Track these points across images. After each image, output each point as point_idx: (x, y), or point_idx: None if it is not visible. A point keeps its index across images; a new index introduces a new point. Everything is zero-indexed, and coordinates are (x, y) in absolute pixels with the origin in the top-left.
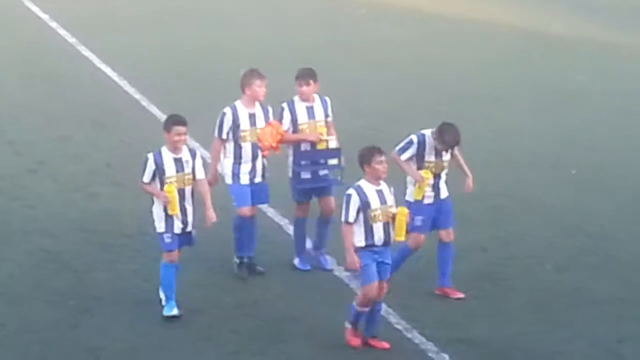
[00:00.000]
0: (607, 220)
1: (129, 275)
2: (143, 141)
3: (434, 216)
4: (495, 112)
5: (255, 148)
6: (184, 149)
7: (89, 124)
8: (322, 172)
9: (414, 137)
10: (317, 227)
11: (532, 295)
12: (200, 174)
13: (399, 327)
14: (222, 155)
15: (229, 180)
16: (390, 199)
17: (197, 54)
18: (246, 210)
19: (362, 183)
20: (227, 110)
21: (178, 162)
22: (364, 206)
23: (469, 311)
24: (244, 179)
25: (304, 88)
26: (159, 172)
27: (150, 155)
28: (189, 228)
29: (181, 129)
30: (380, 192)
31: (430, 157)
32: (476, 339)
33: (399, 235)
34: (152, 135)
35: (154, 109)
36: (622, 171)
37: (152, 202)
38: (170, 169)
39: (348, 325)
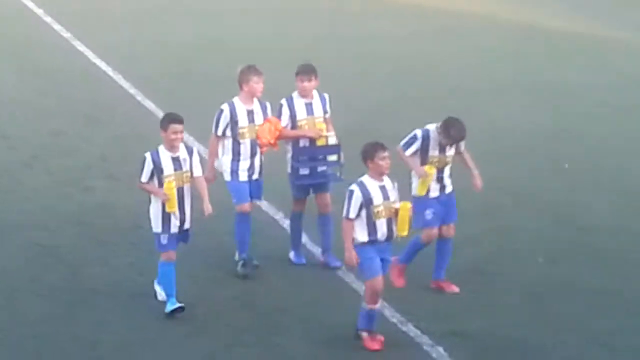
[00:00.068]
0: (599, 213)
1: (124, 268)
2: (138, 135)
3: (440, 209)
4: (488, 106)
5: (254, 145)
6: (181, 146)
7: (83, 119)
8: (321, 169)
9: (418, 132)
10: (319, 226)
11: (525, 288)
12: (197, 171)
13: (393, 320)
14: (220, 152)
15: (227, 177)
16: (393, 195)
17: (193, 49)
18: (246, 206)
19: (365, 179)
20: (225, 107)
21: (176, 160)
22: (367, 202)
23: (463, 304)
24: (243, 176)
25: (306, 84)
26: (157, 171)
27: (148, 155)
28: (186, 226)
29: (178, 127)
30: (383, 188)
31: (434, 152)
32: (470, 332)
33: (402, 230)
34: (147, 129)
35: (149, 104)
36: (614, 165)
37: (149, 201)
38: (168, 167)
39: (364, 334)
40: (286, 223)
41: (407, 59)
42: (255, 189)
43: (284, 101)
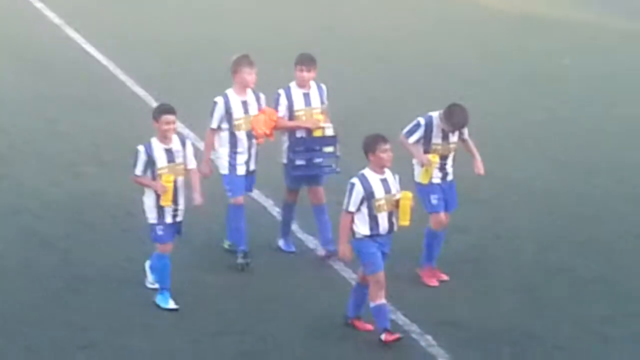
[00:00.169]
0: (591, 201)
1: (115, 255)
2: (129, 122)
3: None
4: (481, 94)
5: (250, 136)
6: (174, 138)
7: (75, 105)
8: (317, 160)
9: (421, 120)
10: (316, 218)
11: (516, 276)
12: (191, 163)
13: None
14: (217, 144)
15: (224, 170)
16: (394, 188)
17: (185, 37)
18: (241, 199)
19: (366, 172)
20: (219, 100)
21: (169, 152)
22: (368, 196)
23: (453, 293)
24: (241, 170)
25: (305, 74)
26: (150, 163)
27: (141, 147)
28: (179, 218)
29: (170, 117)
30: (384, 181)
31: (437, 140)
32: (460, 320)
33: (404, 220)
34: (138, 116)
35: (140, 90)
36: (608, 153)
37: (144, 192)
38: (161, 160)
39: (382, 336)
40: (275, 211)
41: (401, 50)
42: (249, 181)
43: (281, 91)
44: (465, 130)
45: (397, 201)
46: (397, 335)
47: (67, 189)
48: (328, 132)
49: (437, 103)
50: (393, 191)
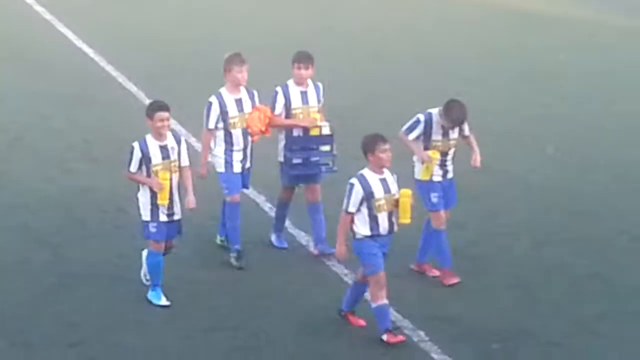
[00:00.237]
0: (587, 197)
1: (106, 251)
2: (121, 119)
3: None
4: (478, 89)
5: (245, 134)
6: (169, 135)
7: (66, 101)
8: (314, 159)
9: (421, 116)
10: (311, 215)
11: (510, 272)
12: (185, 161)
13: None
14: (212, 143)
15: (220, 168)
16: (394, 187)
17: (176, 32)
18: (237, 197)
19: (365, 172)
20: (213, 100)
21: (164, 149)
22: (368, 196)
23: (445, 288)
24: (237, 167)
25: (303, 71)
26: (145, 160)
27: (136, 144)
28: (177, 216)
29: (164, 114)
30: (384, 181)
31: (437, 137)
32: (453, 316)
33: (405, 218)
34: (130, 112)
35: (131, 86)
36: (604, 149)
37: (138, 189)
38: (156, 157)
39: (384, 337)
40: (267, 206)
41: (400, 48)
42: (244, 178)
43: (279, 89)
44: (466, 127)
45: (397, 200)
46: (400, 338)
47: (58, 185)
48: (325, 131)
49: (435, 100)
50: (393, 191)
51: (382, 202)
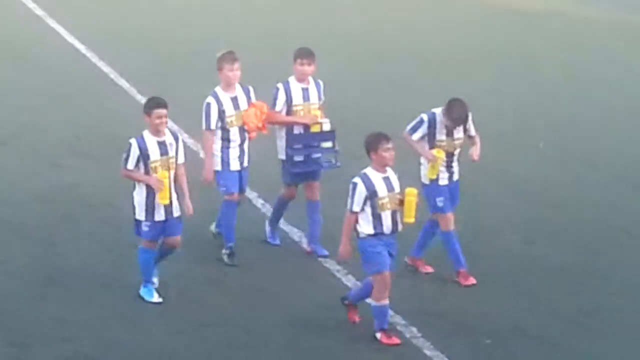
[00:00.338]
0: (570, 190)
1: (93, 246)
2: (110, 114)
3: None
4: (457, 82)
5: (242, 132)
6: (166, 131)
7: (54, 95)
8: (315, 156)
9: (424, 116)
10: (309, 213)
11: (496, 266)
12: (181, 158)
13: (366, 300)
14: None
15: (217, 166)
16: (397, 186)
17: (168, 27)
18: (235, 195)
19: (368, 171)
20: (211, 100)
21: (162, 145)
22: (371, 195)
23: (436, 284)
24: (234, 165)
25: (306, 67)
26: (144, 157)
27: (134, 141)
28: (176, 213)
29: (162, 111)
30: (387, 179)
31: (441, 136)
32: (445, 312)
33: (409, 217)
34: (120, 108)
35: (121, 81)
36: (584, 140)
37: (134, 187)
38: (154, 153)
39: (377, 335)
40: (260, 203)
41: (399, 46)
42: (242, 180)
43: (280, 85)
44: (472, 127)
45: (401, 199)
46: (395, 340)
47: (45, 181)
48: (326, 127)
49: (436, 100)
50: (396, 189)
51: (386, 200)
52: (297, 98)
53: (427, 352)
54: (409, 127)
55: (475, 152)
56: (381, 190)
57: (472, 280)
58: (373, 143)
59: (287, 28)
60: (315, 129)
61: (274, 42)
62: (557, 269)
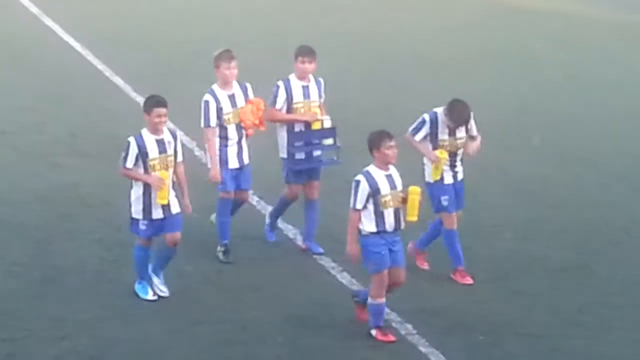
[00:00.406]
0: (567, 189)
1: (91, 245)
2: (107, 112)
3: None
4: (456, 80)
5: (240, 129)
6: (165, 129)
7: (51, 94)
8: (317, 153)
9: (426, 116)
10: (306, 212)
11: (492, 264)
12: (180, 156)
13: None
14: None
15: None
16: (399, 183)
17: (168, 27)
18: (231, 193)
19: (371, 168)
20: (209, 98)
21: (160, 143)
22: (374, 192)
23: (432, 281)
24: (233, 163)
25: (307, 65)
26: (142, 155)
27: (132, 139)
28: (175, 209)
29: (162, 110)
30: (389, 177)
31: (444, 136)
32: (439, 309)
33: (412, 215)
34: (117, 107)
35: (117, 80)
36: (582, 140)
37: (131, 185)
38: (153, 151)
39: (373, 332)
40: (255, 200)
41: (399, 46)
42: (245, 178)
43: (280, 83)
44: (474, 127)
45: (404, 197)
46: (390, 338)
47: (43, 179)
48: (326, 124)
49: (436, 100)
50: (399, 187)
51: (388, 198)
52: (297, 96)
53: (423, 349)
54: (411, 128)
55: (471, 147)
56: (384, 187)
57: (468, 280)
58: (376, 141)
59: (287, 28)
60: (316, 126)
61: (274, 42)
62: (557, 269)
